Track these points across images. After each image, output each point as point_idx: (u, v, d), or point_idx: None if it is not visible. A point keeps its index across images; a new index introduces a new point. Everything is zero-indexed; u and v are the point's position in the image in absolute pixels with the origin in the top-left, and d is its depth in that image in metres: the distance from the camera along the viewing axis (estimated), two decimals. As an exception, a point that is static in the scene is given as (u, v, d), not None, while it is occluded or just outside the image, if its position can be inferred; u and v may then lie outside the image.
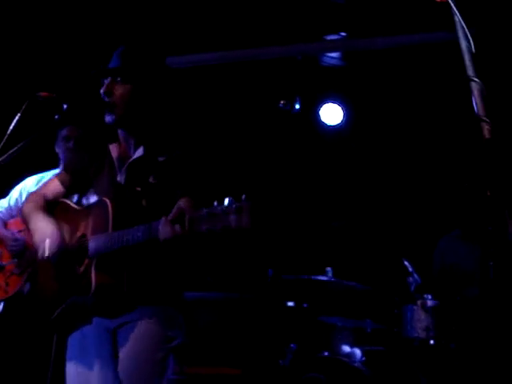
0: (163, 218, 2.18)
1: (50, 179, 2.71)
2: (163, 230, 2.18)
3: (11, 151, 2.32)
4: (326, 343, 4.17)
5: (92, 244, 2.40)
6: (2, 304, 3.65)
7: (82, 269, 2.42)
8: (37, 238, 2.49)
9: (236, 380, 4.45)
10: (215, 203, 2.09)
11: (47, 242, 2.43)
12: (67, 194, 2.63)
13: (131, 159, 2.51)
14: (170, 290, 2.52)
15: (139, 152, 2.50)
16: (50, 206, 2.61)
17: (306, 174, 5.45)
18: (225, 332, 4.61)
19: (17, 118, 2.32)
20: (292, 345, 4.23)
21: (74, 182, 2.63)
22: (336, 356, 3.88)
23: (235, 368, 4.52)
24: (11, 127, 2.30)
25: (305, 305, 4.34)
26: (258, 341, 4.47)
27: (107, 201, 2.40)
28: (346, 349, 3.86)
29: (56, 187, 2.64)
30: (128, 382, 2.43)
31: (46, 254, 2.42)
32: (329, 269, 4.15)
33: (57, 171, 3.76)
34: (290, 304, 4.31)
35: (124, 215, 2.35)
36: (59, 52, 4.45)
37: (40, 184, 3.77)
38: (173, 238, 2.17)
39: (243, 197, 2.07)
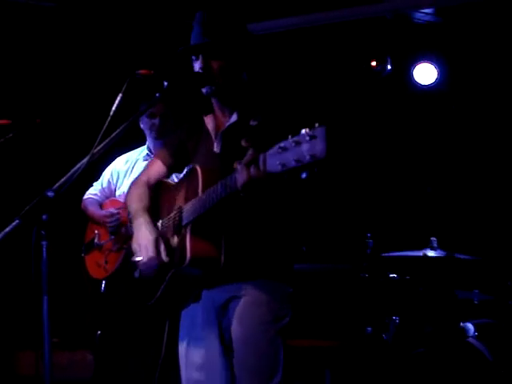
0: (238, 164, 2.10)
1: (153, 160, 2.69)
2: (239, 175, 2.09)
3: (114, 134, 2.25)
4: (432, 317, 4.00)
5: (185, 212, 2.37)
6: (104, 283, 3.71)
7: (176, 240, 2.39)
8: (135, 242, 2.48)
9: (336, 353, 4.37)
10: (289, 136, 1.92)
11: (141, 258, 2.41)
12: (170, 172, 2.60)
13: (225, 126, 2.47)
14: (278, 262, 2.43)
15: (233, 118, 2.46)
16: (155, 188, 2.59)
17: (400, 138, 5.24)
18: (323, 305, 4.52)
19: (119, 98, 2.23)
20: (395, 318, 4.09)
21: (175, 159, 2.59)
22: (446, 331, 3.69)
23: (335, 341, 4.43)
24: (114, 108, 2.22)
25: (407, 277, 4.17)
26: (358, 314, 4.34)
27: (197, 167, 2.37)
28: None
29: (158, 168, 2.60)
30: (245, 362, 2.37)
31: (137, 260, 2.42)
32: (434, 239, 3.96)
33: (144, 148, 3.89)
34: (393, 276, 4.15)
35: (214, 179, 2.27)
36: (151, 28, 4.42)
37: (129, 161, 3.90)
38: (249, 182, 2.06)
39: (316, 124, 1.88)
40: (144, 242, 2.41)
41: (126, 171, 3.88)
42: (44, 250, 2.09)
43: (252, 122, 2.40)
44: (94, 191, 3.96)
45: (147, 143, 3.85)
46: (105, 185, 3.94)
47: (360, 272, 4.19)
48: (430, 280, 4.09)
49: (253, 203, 2.26)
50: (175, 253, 2.38)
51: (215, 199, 2.23)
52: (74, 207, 3.94)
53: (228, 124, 2.47)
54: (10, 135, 3.09)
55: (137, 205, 2.56)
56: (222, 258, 2.29)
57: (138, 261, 2.41)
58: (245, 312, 2.38)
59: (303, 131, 1.88)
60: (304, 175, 1.95)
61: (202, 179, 2.33)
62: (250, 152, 2.06)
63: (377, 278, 4.17)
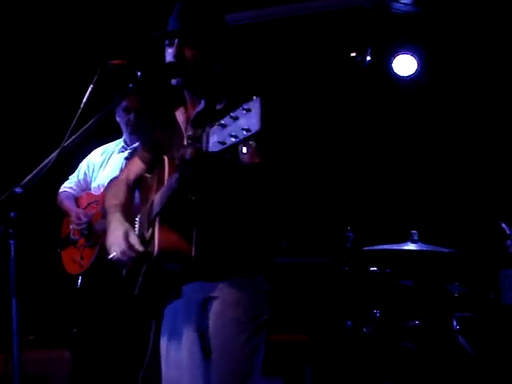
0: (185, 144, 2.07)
1: (131, 159, 2.67)
2: (184, 152, 2.05)
3: (85, 127, 2.16)
4: (413, 310, 3.98)
5: (154, 204, 2.33)
6: (80, 278, 3.66)
7: (148, 233, 2.33)
8: (108, 234, 2.41)
9: (316, 347, 4.33)
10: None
11: (115, 252, 2.35)
12: (150, 168, 2.52)
13: (193, 115, 2.42)
14: (255, 257, 2.37)
15: (201, 106, 2.40)
16: (137, 183, 2.56)
17: (380, 129, 5.20)
18: (303, 299, 4.47)
19: (90, 89, 2.15)
20: (375, 311, 4.06)
21: (153, 155, 2.54)
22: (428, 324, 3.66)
23: (315, 335, 4.39)
24: (85, 99, 2.13)
25: (388, 270, 4.14)
26: (339, 307, 4.30)
27: (164, 157, 2.34)
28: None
29: (137, 166, 2.57)
30: (218, 366, 2.32)
31: (111, 257, 2.37)
32: (414, 232, 3.93)
33: (120, 141, 3.84)
34: (373, 269, 4.12)
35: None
36: (124, 17, 4.32)
37: (105, 154, 3.86)
38: (193, 159, 2.02)
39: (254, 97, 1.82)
40: (115, 238, 2.34)
41: (102, 163, 3.84)
42: (12, 249, 2.01)
43: (218, 106, 2.35)
44: (69, 184, 3.91)
45: (123, 136, 3.80)
46: (81, 177, 3.89)
47: (340, 265, 4.15)
48: (412, 273, 4.07)
49: (223, 193, 2.21)
50: (148, 246, 2.31)
51: (170, 189, 2.19)
52: (51, 200, 3.86)
53: (195, 112, 2.41)
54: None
55: (110, 202, 2.51)
56: (193, 250, 2.22)
57: (112, 257, 2.33)
58: (219, 314, 2.33)
59: (241, 106, 1.83)
60: (244, 151, 1.90)
61: (167, 169, 2.28)
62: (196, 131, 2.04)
63: (357, 272, 4.14)
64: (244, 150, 1.91)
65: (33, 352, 4.35)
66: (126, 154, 3.72)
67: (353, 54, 5.04)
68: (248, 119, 1.81)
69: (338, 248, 4.19)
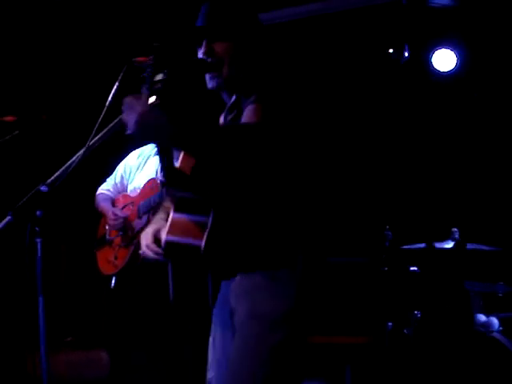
0: None
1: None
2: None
3: (111, 125, 2.15)
4: (456, 311, 3.87)
5: None
6: (114, 279, 3.67)
7: None
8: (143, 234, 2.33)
9: (356, 349, 4.25)
10: None
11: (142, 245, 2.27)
12: None
13: (227, 109, 2.30)
14: (276, 248, 2.12)
15: (232, 99, 2.29)
16: None
17: (421, 127, 5.09)
18: (342, 300, 4.40)
19: (115, 87, 2.13)
20: (416, 312, 3.96)
21: None
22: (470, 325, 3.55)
23: (355, 336, 4.31)
24: (110, 97, 2.12)
25: (428, 269, 4.03)
26: (379, 309, 4.21)
27: None
28: (482, 318, 3.51)
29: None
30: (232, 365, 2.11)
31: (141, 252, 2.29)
32: (455, 229, 3.82)
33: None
34: (413, 269, 4.01)
35: None
36: (151, 15, 4.33)
37: (141, 157, 3.87)
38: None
39: None
40: (145, 233, 2.28)
41: (138, 166, 3.86)
42: (39, 247, 2.01)
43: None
44: (106, 187, 3.95)
45: None
46: (118, 180, 3.93)
47: (379, 265, 4.06)
48: (447, 272, 3.95)
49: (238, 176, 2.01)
50: None
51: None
52: (90, 202, 3.89)
53: (227, 105, 2.30)
54: (16, 132, 3.04)
55: (162, 206, 2.41)
56: (204, 242, 2.00)
57: (141, 252, 2.28)
58: (237, 309, 2.16)
59: None
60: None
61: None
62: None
63: (397, 272, 4.04)
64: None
65: (71, 354, 4.38)
66: None
67: (390, 51, 4.95)
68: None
69: (376, 247, 4.10)
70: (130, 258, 3.58)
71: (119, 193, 3.91)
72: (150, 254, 2.26)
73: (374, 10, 4.79)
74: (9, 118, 3.19)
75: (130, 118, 1.94)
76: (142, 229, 2.66)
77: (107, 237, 3.79)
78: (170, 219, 2.10)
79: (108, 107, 2.13)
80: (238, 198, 2.07)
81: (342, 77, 5.03)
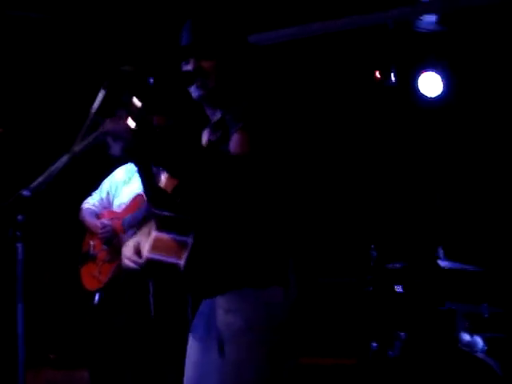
0: None
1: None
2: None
3: (96, 133, 2.14)
4: (440, 330, 3.85)
5: None
6: (98, 295, 3.65)
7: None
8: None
9: (340, 370, 4.21)
10: None
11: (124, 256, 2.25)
12: None
13: (211, 126, 2.33)
14: (259, 266, 2.15)
15: (217, 116, 2.32)
16: None
17: (406, 149, 5.13)
18: (326, 321, 4.37)
19: (101, 95, 2.13)
20: (401, 333, 3.93)
21: None
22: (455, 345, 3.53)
23: (339, 357, 4.28)
24: (96, 105, 2.11)
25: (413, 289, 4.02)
26: (363, 329, 4.19)
27: None
28: (466, 337, 3.49)
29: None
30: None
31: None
32: (440, 248, 3.82)
33: None
34: (398, 289, 4.00)
35: None
36: (138, 24, 4.35)
37: (128, 172, 3.86)
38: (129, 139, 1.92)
39: None
40: (128, 245, 2.26)
41: (125, 181, 3.87)
42: (20, 251, 1.98)
43: (227, 116, 2.25)
44: (92, 201, 3.95)
45: None
46: (103, 195, 3.92)
47: (364, 285, 4.04)
48: (431, 292, 3.94)
49: (210, 187, 2.01)
50: None
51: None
52: (72, 215, 3.88)
53: (211, 123, 2.34)
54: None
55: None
56: (183, 260, 2.02)
57: (122, 263, 2.26)
58: (224, 325, 2.16)
59: None
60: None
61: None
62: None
63: (382, 291, 4.03)
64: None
65: (53, 372, 4.31)
66: None
67: (377, 74, 5.00)
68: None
69: (361, 267, 4.09)
70: (114, 273, 3.56)
71: (104, 208, 3.90)
72: (130, 264, 2.25)
73: (360, 34, 4.85)
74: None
75: (115, 144, 1.96)
76: None
77: (91, 251, 3.76)
78: (151, 237, 2.12)
79: (93, 114, 2.12)
80: (221, 218, 2.10)
81: (328, 100, 5.07)
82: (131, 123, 1.88)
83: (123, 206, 3.76)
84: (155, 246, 2.09)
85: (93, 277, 3.70)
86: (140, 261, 2.19)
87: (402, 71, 5.01)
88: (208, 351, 2.22)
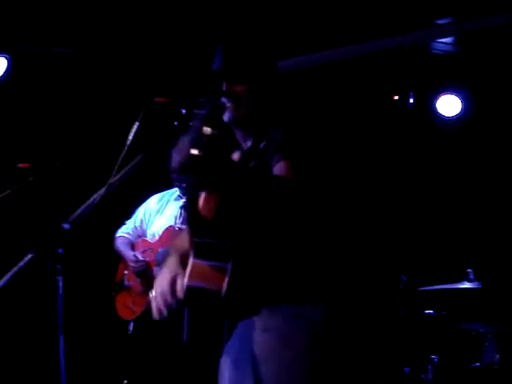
0: None
1: None
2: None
3: (131, 164, 2.17)
4: (472, 353, 3.80)
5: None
6: (132, 324, 3.68)
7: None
8: (156, 279, 2.33)
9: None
10: None
11: (155, 291, 2.25)
12: None
13: (242, 153, 2.35)
14: (299, 284, 2.19)
15: (249, 143, 2.35)
16: None
17: (427, 172, 5.12)
18: (357, 345, 4.32)
19: (135, 127, 2.16)
20: (433, 356, 3.88)
21: None
22: (489, 366, 3.48)
23: (372, 383, 4.22)
24: (130, 137, 2.14)
25: (444, 312, 3.98)
26: (395, 353, 4.13)
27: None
28: (496, 358, 3.44)
29: None
30: None
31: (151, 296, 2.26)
32: (470, 270, 3.78)
33: (176, 189, 3.88)
34: (429, 312, 3.96)
35: None
36: (170, 56, 4.41)
37: (162, 201, 3.91)
38: (190, 163, 1.91)
39: None
40: (161, 278, 2.27)
41: (158, 211, 3.90)
42: (60, 285, 1.99)
43: (261, 145, 2.28)
44: (126, 230, 3.98)
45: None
46: (137, 224, 3.96)
47: (394, 309, 4.00)
48: (464, 314, 3.90)
49: (254, 213, 2.08)
50: None
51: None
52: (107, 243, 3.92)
53: (244, 151, 2.36)
54: (31, 178, 3.07)
55: (175, 244, 2.43)
56: (225, 284, 2.06)
57: (151, 296, 2.26)
58: (268, 349, 2.16)
59: None
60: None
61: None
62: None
63: (412, 315, 3.99)
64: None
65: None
66: (181, 202, 3.77)
67: (395, 97, 5.01)
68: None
69: (390, 291, 4.05)
70: (148, 304, 3.57)
71: (139, 236, 3.93)
72: (161, 303, 2.22)
73: (377, 57, 4.88)
74: (23, 165, 3.22)
75: (177, 157, 1.99)
76: None
77: (125, 282, 3.78)
78: (189, 264, 2.12)
79: (129, 146, 2.14)
80: (263, 240, 2.14)
81: (348, 124, 5.08)
82: (194, 150, 1.90)
83: (156, 237, 3.80)
84: (194, 274, 2.09)
85: (127, 307, 3.74)
86: (172, 302, 2.19)
87: (420, 93, 5.02)
88: (243, 372, 2.21)
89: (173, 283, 2.20)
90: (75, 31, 4.15)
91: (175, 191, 3.92)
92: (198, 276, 2.10)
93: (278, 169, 2.09)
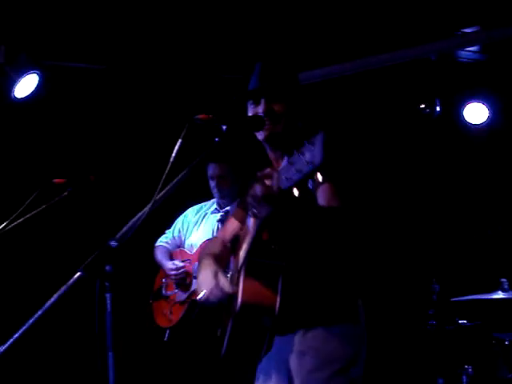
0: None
1: (227, 219, 2.68)
2: (255, 189, 2.03)
3: (175, 180, 2.19)
4: (507, 363, 3.76)
5: (240, 255, 2.31)
6: (168, 332, 3.77)
7: (234, 288, 2.27)
8: (198, 280, 2.41)
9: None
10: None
11: (202, 293, 2.31)
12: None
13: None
14: (341, 303, 2.28)
15: (284, 162, 2.35)
16: (231, 243, 2.54)
17: (454, 181, 5.09)
18: (389, 357, 4.31)
19: (178, 144, 2.18)
20: (467, 367, 3.85)
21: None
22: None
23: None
24: (174, 154, 2.16)
25: (478, 322, 3.95)
26: (427, 364, 4.11)
27: None
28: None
29: (233, 225, 2.57)
30: None
31: (200, 297, 2.33)
32: (504, 280, 3.76)
33: (214, 202, 3.97)
34: (462, 322, 3.93)
35: None
36: (210, 73, 4.44)
37: (200, 213, 3.99)
38: (263, 198, 1.98)
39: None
40: (204, 277, 2.33)
41: (196, 223, 4.00)
42: (108, 302, 2.01)
43: None
44: (165, 239, 4.08)
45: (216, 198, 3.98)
46: (176, 234, 4.06)
47: (427, 320, 3.98)
48: (498, 324, 3.87)
49: (304, 239, 2.18)
50: (232, 302, 2.28)
51: (251, 235, 2.19)
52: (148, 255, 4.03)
53: (280, 168, 2.40)
54: (66, 193, 3.10)
55: (204, 254, 2.51)
56: (278, 302, 2.15)
57: (201, 298, 2.30)
58: (308, 369, 2.24)
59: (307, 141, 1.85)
60: (310, 185, 1.94)
61: (253, 220, 2.26)
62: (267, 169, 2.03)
63: (445, 326, 3.96)
64: (312, 184, 1.91)
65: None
66: (218, 216, 3.84)
67: (422, 106, 5.00)
68: (311, 153, 1.82)
69: (423, 301, 4.03)
70: (185, 314, 3.66)
71: (177, 246, 4.03)
72: (213, 299, 2.28)
73: (405, 67, 4.87)
74: (58, 180, 3.25)
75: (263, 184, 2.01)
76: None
77: (163, 291, 3.88)
78: (241, 283, 2.19)
79: (172, 163, 2.16)
80: (311, 264, 2.24)
81: (375, 134, 5.07)
82: (296, 190, 1.94)
83: (194, 249, 3.88)
84: (247, 291, 2.16)
85: (164, 315, 3.83)
86: (229, 290, 2.24)
87: (446, 102, 5.00)
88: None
89: (216, 278, 2.27)
90: (112, 46, 4.20)
91: (212, 203, 4.01)
92: (251, 293, 2.16)
93: (322, 193, 2.14)
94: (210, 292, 2.26)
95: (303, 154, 1.83)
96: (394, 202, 4.97)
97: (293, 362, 2.28)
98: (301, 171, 1.83)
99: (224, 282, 2.26)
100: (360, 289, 2.35)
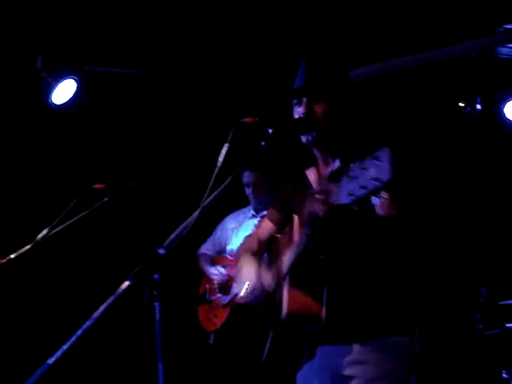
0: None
1: (262, 220, 2.67)
2: (315, 208, 1.99)
3: (223, 185, 2.15)
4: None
5: (284, 263, 2.27)
6: (213, 335, 3.86)
7: (278, 296, 2.25)
8: (239, 276, 2.44)
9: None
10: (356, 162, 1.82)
11: (246, 285, 2.33)
12: (281, 227, 2.52)
13: (328, 173, 2.36)
14: (397, 315, 2.24)
15: (336, 164, 2.34)
16: (268, 243, 2.54)
17: (498, 181, 4.98)
18: (436, 361, 4.21)
19: (225, 148, 2.13)
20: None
21: (283, 214, 2.52)
22: None
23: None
24: (221, 158, 2.12)
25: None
26: (474, 369, 4.02)
27: (294, 215, 2.31)
28: None
29: (267, 225, 2.57)
30: None
31: (241, 296, 2.35)
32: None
33: (251, 208, 4.03)
34: (510, 326, 3.84)
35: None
36: (255, 75, 4.43)
37: (238, 219, 4.08)
38: (326, 215, 1.93)
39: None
40: (246, 273, 2.35)
41: (233, 229, 4.09)
42: (157, 311, 1.96)
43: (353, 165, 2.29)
44: (206, 246, 4.21)
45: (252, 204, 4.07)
46: (216, 241, 4.18)
47: (474, 323, 3.89)
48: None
49: (357, 249, 2.16)
50: (277, 309, 2.25)
51: (299, 246, 2.15)
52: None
53: (331, 170, 2.35)
54: (106, 199, 3.10)
55: (242, 251, 2.55)
56: (324, 312, 2.13)
57: (243, 295, 2.28)
58: (368, 378, 2.19)
59: (369, 155, 1.78)
60: (377, 203, 1.90)
61: (297, 227, 2.26)
62: (323, 182, 2.02)
63: (493, 329, 3.87)
64: (376, 201, 1.86)
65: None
66: (256, 221, 3.88)
67: (462, 105, 4.91)
68: (377, 168, 1.74)
69: (470, 305, 3.95)
70: (228, 318, 3.69)
71: (218, 252, 4.14)
72: (256, 294, 2.30)
73: (445, 65, 4.78)
74: (98, 186, 3.25)
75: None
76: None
77: (207, 296, 3.97)
78: (286, 293, 2.18)
79: (219, 168, 2.12)
80: (364, 276, 2.21)
81: (416, 133, 4.99)
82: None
83: (234, 254, 3.90)
84: (292, 302, 2.14)
85: (208, 319, 3.90)
86: (272, 285, 2.24)
87: (487, 99, 4.91)
88: None
89: (258, 274, 2.30)
90: (154, 50, 4.20)
91: (249, 209, 4.08)
92: (296, 303, 2.15)
93: (383, 207, 2.09)
94: (254, 285, 2.27)
95: (367, 169, 1.76)
96: (445, 207, 4.89)
97: (349, 370, 2.23)
98: (365, 187, 1.77)
99: (267, 278, 2.26)
100: (418, 300, 2.32)
